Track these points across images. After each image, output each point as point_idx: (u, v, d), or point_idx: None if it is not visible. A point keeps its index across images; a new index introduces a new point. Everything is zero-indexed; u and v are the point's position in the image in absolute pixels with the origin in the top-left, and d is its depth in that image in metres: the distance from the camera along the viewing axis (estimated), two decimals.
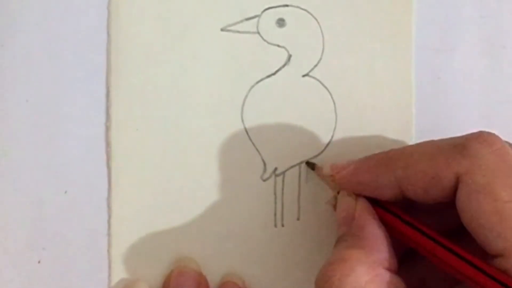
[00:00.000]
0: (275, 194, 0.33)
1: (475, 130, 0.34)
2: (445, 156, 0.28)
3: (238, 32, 0.33)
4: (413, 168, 0.28)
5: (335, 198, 0.31)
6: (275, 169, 0.33)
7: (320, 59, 0.33)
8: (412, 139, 0.34)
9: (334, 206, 0.31)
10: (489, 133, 0.28)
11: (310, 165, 0.33)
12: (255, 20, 0.33)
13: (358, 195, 0.30)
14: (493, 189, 0.26)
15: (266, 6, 0.33)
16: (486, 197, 0.26)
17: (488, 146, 0.27)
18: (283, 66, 0.33)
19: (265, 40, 0.33)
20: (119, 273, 0.32)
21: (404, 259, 0.30)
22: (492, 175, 0.26)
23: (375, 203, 0.29)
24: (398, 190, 0.29)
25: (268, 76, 0.33)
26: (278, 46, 0.33)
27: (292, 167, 0.33)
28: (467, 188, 0.27)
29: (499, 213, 0.26)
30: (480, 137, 0.28)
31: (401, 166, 0.28)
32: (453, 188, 0.27)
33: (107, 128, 0.32)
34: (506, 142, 0.28)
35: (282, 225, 0.33)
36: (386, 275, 0.27)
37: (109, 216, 0.32)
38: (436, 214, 0.30)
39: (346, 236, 0.29)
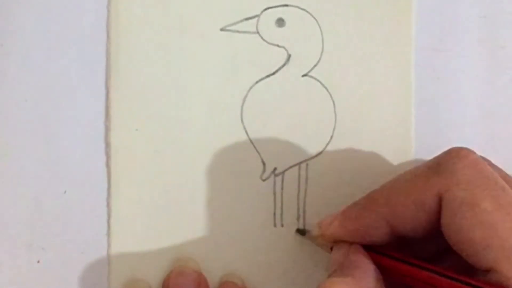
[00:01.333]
0: (274, 194, 0.33)
1: (474, 130, 0.35)
2: (422, 179, 0.28)
3: (238, 32, 0.33)
4: (395, 201, 0.28)
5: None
6: (275, 169, 0.33)
7: (320, 59, 0.33)
8: (412, 140, 0.34)
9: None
10: (460, 148, 0.28)
11: (301, 232, 0.33)
12: (255, 20, 0.33)
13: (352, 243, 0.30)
14: (475, 201, 0.26)
15: (266, 6, 0.33)
16: (470, 210, 0.26)
17: (461, 160, 0.27)
18: (283, 66, 0.33)
19: (264, 40, 0.33)
20: (119, 273, 0.32)
21: None
22: (471, 187, 0.27)
23: (368, 249, 0.29)
24: (389, 229, 0.28)
25: (268, 76, 0.33)
26: (278, 46, 0.33)
27: (291, 167, 0.33)
28: (449, 205, 0.27)
29: (485, 224, 0.26)
30: (452, 153, 0.28)
31: (384, 202, 0.28)
32: (437, 209, 0.27)
33: (107, 128, 0.32)
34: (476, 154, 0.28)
35: (282, 225, 0.33)
36: None
37: (109, 216, 0.32)
38: (424, 246, 0.30)
39: (336, 271, 0.28)
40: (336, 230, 0.30)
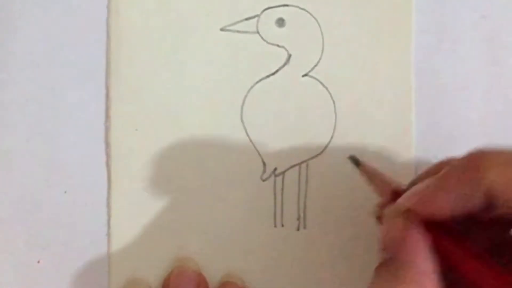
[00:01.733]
0: (274, 194, 0.33)
1: (475, 130, 0.35)
2: None
3: (238, 32, 0.33)
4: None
5: (380, 207, 0.28)
6: (275, 169, 0.33)
7: (320, 59, 0.33)
8: (412, 139, 0.34)
9: (378, 218, 0.28)
10: None
11: (354, 161, 0.30)
12: (255, 20, 0.33)
13: (410, 218, 0.26)
14: None
15: (266, 6, 0.33)
16: None
17: None
18: (283, 66, 0.33)
19: (264, 40, 0.33)
20: (119, 273, 0.32)
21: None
22: None
23: (428, 228, 0.26)
24: (484, 202, 0.25)
25: (268, 76, 0.33)
26: (278, 46, 0.33)
27: (291, 167, 0.33)
28: None
29: None
30: None
31: (496, 171, 0.24)
32: None
33: (107, 128, 0.32)
34: None
35: (282, 225, 0.33)
36: None
37: (109, 216, 0.32)
38: (481, 231, 0.27)
39: (393, 264, 0.25)
40: (427, 202, 0.26)
